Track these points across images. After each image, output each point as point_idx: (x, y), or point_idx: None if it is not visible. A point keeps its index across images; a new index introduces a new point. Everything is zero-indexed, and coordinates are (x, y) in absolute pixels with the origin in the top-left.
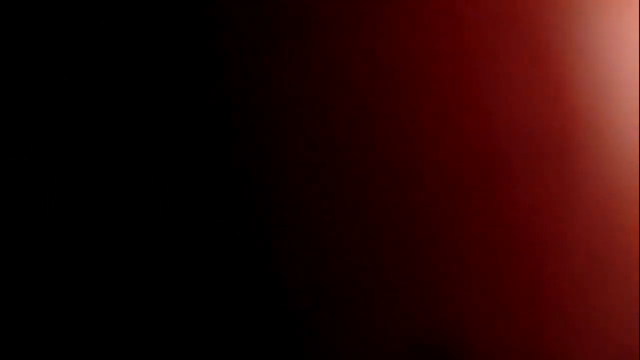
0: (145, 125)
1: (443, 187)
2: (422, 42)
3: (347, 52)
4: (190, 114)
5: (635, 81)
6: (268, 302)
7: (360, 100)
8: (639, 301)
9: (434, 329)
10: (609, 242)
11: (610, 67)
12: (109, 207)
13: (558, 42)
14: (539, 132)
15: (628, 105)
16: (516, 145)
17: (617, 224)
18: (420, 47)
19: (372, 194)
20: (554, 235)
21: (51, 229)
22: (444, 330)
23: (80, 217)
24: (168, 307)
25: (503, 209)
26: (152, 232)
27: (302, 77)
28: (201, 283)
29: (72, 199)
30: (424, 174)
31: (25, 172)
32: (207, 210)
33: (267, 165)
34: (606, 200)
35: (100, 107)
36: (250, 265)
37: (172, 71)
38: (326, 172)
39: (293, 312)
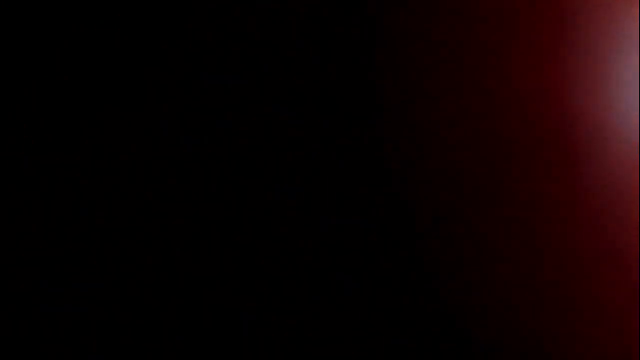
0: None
1: (445, 187)
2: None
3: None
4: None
5: (636, 81)
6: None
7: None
8: (639, 301)
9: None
10: (609, 241)
11: (610, 67)
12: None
13: (558, 42)
14: (540, 132)
15: (628, 105)
16: (517, 145)
17: (617, 224)
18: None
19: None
20: (554, 234)
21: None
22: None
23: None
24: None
25: (503, 208)
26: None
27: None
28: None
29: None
30: (424, 175)
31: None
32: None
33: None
34: (606, 199)
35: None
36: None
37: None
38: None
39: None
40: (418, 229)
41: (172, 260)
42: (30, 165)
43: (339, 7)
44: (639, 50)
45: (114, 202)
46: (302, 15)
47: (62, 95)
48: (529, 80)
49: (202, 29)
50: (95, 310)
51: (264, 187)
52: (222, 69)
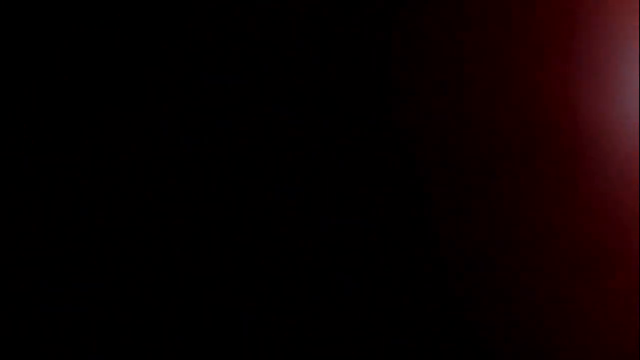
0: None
1: (445, 186)
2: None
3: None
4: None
5: (636, 81)
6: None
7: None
8: (639, 301)
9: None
10: (609, 240)
11: (610, 68)
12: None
13: (558, 42)
14: (540, 131)
15: (628, 105)
16: (518, 145)
17: (617, 223)
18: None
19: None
20: (554, 234)
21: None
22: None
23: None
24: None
25: (503, 207)
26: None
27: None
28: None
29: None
30: (424, 175)
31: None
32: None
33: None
34: (606, 199)
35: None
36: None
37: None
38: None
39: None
40: (418, 229)
41: (172, 260)
42: (30, 165)
43: (339, 7)
44: (639, 50)
45: (114, 202)
46: (302, 15)
47: (62, 95)
48: (529, 81)
49: (202, 29)
50: (96, 310)
51: (264, 187)
52: (222, 69)
